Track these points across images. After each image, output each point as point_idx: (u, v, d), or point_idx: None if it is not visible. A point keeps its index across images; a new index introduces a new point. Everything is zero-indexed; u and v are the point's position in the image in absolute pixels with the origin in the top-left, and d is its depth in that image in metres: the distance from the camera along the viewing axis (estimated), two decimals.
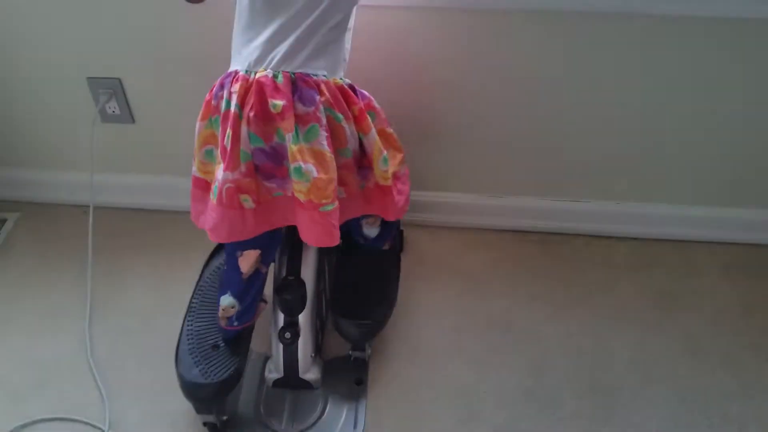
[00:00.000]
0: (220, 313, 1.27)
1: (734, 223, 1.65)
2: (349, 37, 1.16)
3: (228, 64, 1.12)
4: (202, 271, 1.42)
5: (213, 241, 1.20)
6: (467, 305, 1.53)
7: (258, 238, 1.20)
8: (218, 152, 1.13)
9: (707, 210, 1.64)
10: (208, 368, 1.22)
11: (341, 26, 1.12)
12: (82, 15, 1.43)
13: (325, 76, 1.09)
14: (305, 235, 1.16)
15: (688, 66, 1.38)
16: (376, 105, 1.19)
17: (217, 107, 1.11)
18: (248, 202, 1.12)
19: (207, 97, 1.13)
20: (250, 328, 1.32)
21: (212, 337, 1.28)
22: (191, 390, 1.22)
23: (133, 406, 1.35)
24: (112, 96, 1.55)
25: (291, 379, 1.33)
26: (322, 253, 1.38)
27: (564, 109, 1.49)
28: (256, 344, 1.37)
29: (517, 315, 1.51)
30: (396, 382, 1.39)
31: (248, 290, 1.27)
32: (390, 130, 1.23)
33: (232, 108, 1.07)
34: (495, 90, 1.47)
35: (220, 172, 1.11)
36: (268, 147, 1.09)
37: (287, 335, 1.27)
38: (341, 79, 1.13)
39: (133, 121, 1.61)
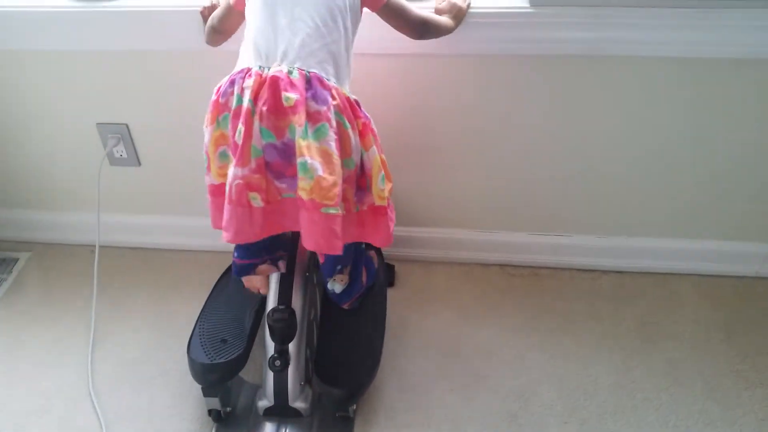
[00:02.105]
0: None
1: (718, 256, 1.69)
2: (352, 54, 1.19)
3: None
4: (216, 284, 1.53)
5: (224, 241, 1.18)
6: (455, 334, 1.58)
7: (270, 247, 1.25)
8: (230, 150, 1.13)
9: (690, 243, 1.68)
10: (216, 354, 1.33)
11: (348, 37, 1.15)
12: (92, 65, 1.54)
13: (335, 83, 1.12)
14: (305, 238, 1.15)
15: (669, 103, 1.45)
16: (374, 127, 1.20)
17: (226, 104, 1.11)
18: (257, 200, 1.12)
19: (213, 98, 1.14)
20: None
21: (221, 334, 1.38)
22: (201, 371, 1.32)
23: None
24: (120, 140, 1.65)
25: (281, 407, 1.36)
26: (313, 282, 1.44)
27: (552, 148, 1.55)
28: (248, 375, 1.42)
29: (503, 343, 1.55)
30: (383, 408, 1.42)
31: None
32: (383, 156, 1.22)
33: (245, 103, 1.07)
34: (487, 130, 1.54)
35: (230, 168, 1.11)
36: (279, 143, 1.09)
37: (277, 363, 1.31)
38: (347, 92, 1.16)
39: (139, 164, 1.70)
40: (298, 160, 1.07)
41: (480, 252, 1.75)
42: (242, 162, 1.09)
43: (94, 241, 1.65)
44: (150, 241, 1.85)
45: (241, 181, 1.10)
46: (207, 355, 1.33)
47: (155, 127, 1.64)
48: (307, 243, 1.15)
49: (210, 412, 1.38)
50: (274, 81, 1.07)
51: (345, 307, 1.46)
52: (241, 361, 1.35)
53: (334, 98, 1.10)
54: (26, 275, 1.79)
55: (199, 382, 1.34)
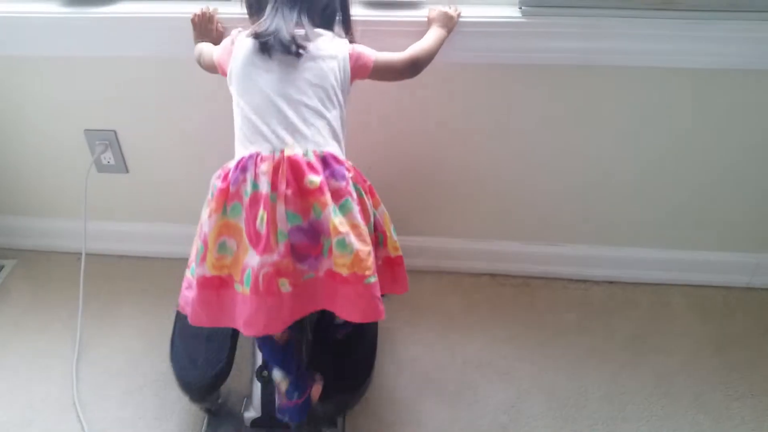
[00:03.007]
0: (278, 391, 1.25)
1: (709, 267, 1.69)
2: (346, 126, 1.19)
3: (214, 114, 1.17)
4: None
5: (247, 335, 1.14)
6: (444, 345, 1.57)
7: None
8: (238, 241, 1.09)
9: (681, 253, 1.69)
10: (202, 363, 1.29)
11: (342, 111, 1.16)
12: (80, 71, 1.52)
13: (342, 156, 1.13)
14: (348, 312, 1.12)
15: (660, 113, 1.45)
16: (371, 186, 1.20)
17: (237, 192, 1.08)
18: (285, 286, 1.07)
19: (221, 185, 1.09)
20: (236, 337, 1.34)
21: (202, 330, 1.31)
22: (187, 386, 1.29)
23: None
24: (108, 147, 1.64)
25: (268, 419, 1.35)
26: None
27: (543, 158, 1.55)
28: (235, 384, 1.40)
29: (493, 354, 1.55)
30: (373, 421, 1.41)
31: (289, 357, 1.24)
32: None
33: (263, 189, 1.05)
34: (477, 139, 1.54)
35: (253, 258, 1.07)
36: (305, 224, 1.07)
37: (265, 373, 1.30)
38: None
39: (126, 171, 1.69)
40: (334, 239, 1.06)
41: (470, 261, 1.75)
42: (269, 249, 1.06)
43: (80, 248, 1.64)
44: (137, 249, 1.83)
45: (270, 269, 1.06)
46: (191, 363, 1.29)
47: (143, 133, 1.62)
48: (352, 316, 1.12)
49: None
50: (295, 163, 1.06)
51: (339, 337, 1.39)
52: (227, 370, 1.31)
53: (349, 170, 1.11)
54: (11, 283, 1.77)
55: (186, 395, 1.32)
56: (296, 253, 1.08)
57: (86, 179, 1.61)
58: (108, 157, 1.66)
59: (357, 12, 1.36)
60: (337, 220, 1.06)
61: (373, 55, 1.19)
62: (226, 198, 1.08)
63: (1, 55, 1.52)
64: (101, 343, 1.59)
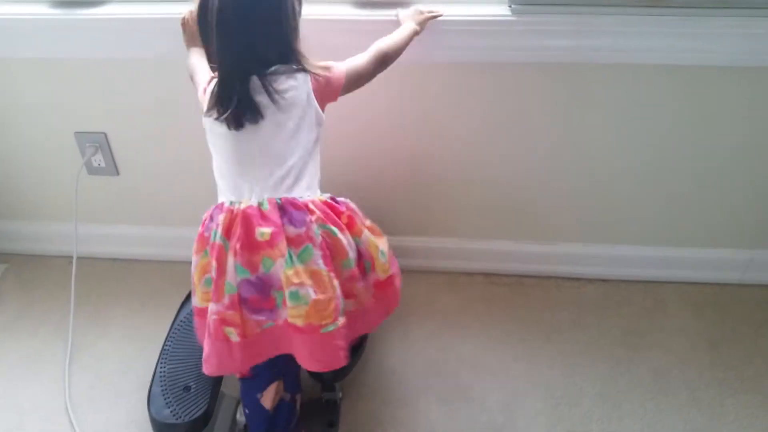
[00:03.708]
0: None
1: (702, 263, 1.69)
2: (318, 154, 1.17)
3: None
4: (176, 316, 1.45)
5: (205, 372, 1.16)
6: (439, 345, 1.56)
7: (273, 367, 1.18)
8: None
9: (674, 251, 1.68)
10: (179, 409, 1.25)
11: (315, 147, 1.15)
12: (70, 73, 1.52)
13: (309, 195, 1.11)
14: (306, 361, 1.12)
15: (651, 111, 1.45)
16: (353, 206, 1.19)
17: (208, 239, 1.11)
18: (233, 335, 1.09)
19: (200, 229, 1.14)
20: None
21: (184, 379, 1.31)
22: (163, 430, 1.25)
23: None
24: (98, 149, 1.63)
25: None
26: None
27: (535, 157, 1.55)
28: (228, 388, 1.39)
29: (488, 354, 1.54)
30: (368, 422, 1.41)
31: (277, 422, 1.22)
32: (368, 222, 1.21)
33: (217, 239, 1.08)
34: (468, 138, 1.54)
35: (211, 303, 1.10)
36: (254, 278, 1.07)
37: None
38: (321, 194, 1.14)
39: (117, 173, 1.68)
40: (287, 290, 1.06)
41: (463, 260, 1.74)
42: (217, 297, 1.09)
43: (71, 252, 1.63)
44: (128, 251, 1.82)
45: (216, 317, 1.09)
46: (169, 408, 1.25)
47: (134, 135, 1.61)
48: (309, 365, 1.13)
49: None
50: (246, 217, 1.07)
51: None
52: (207, 418, 1.26)
53: (312, 212, 1.09)
54: (2, 288, 1.75)
55: None
56: (249, 306, 1.09)
57: (77, 182, 1.60)
58: (98, 160, 1.65)
59: (346, 11, 1.36)
60: (290, 271, 1.05)
61: (339, 72, 1.16)
62: (203, 243, 1.13)
63: None
64: (93, 347, 1.58)
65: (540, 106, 1.47)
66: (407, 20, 1.30)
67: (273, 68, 1.10)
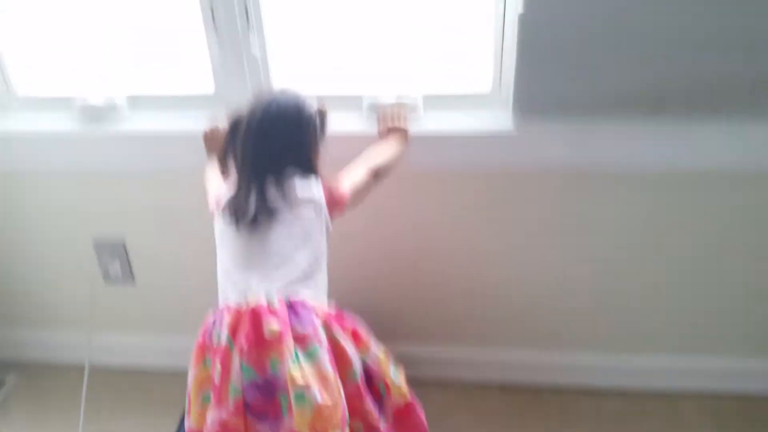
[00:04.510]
0: None
1: (722, 373, 1.63)
2: (326, 265, 1.18)
3: None
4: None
5: None
6: None
7: None
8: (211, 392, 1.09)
9: (695, 360, 1.63)
10: None
11: (324, 253, 1.17)
12: (91, 185, 1.58)
13: (315, 302, 1.11)
14: None
15: (665, 218, 1.45)
16: (360, 329, 1.18)
17: (211, 345, 1.10)
18: None
19: (199, 339, 1.13)
20: None
21: None
22: None
23: None
24: (115, 257, 1.66)
25: None
26: None
27: (549, 264, 1.55)
28: None
29: None
30: None
31: None
32: (379, 345, 1.19)
33: (223, 340, 1.06)
34: (480, 245, 1.54)
35: (211, 411, 1.07)
36: (261, 380, 1.05)
37: None
38: (329, 303, 1.16)
39: (133, 282, 1.70)
40: (293, 392, 1.02)
41: (478, 371, 1.70)
42: (219, 403, 1.06)
43: (84, 361, 1.62)
44: (141, 362, 1.81)
45: (219, 428, 1.06)
46: None
47: (151, 245, 1.65)
48: None
49: None
50: (255, 313, 1.06)
51: None
52: None
53: (318, 316, 1.09)
54: (12, 399, 1.74)
55: None
56: (253, 412, 1.07)
57: (93, 290, 1.62)
58: (116, 268, 1.68)
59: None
60: (296, 372, 1.02)
61: (345, 190, 1.19)
62: (204, 351, 1.11)
63: (17, 169, 1.59)
64: None
65: (545, 214, 1.48)
66: (391, 138, 1.32)
67: (290, 174, 1.15)
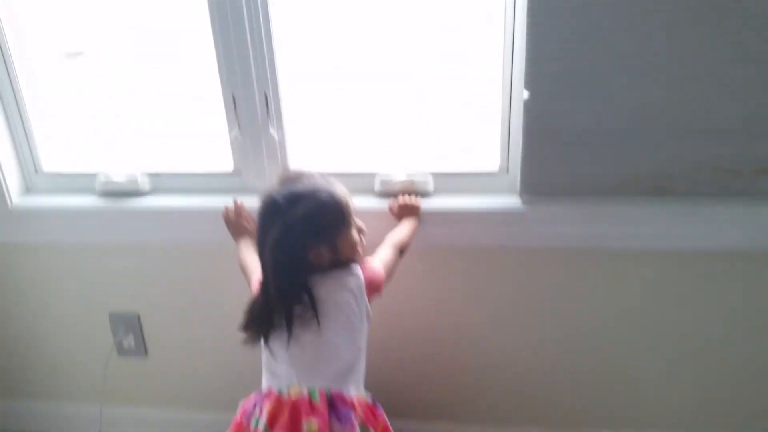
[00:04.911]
0: None
1: None
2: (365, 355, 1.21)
3: (237, 302, 1.22)
4: None
5: None
6: None
7: None
8: None
9: None
10: None
11: (363, 344, 1.19)
12: (110, 256, 1.61)
13: (356, 392, 1.14)
14: None
15: (672, 296, 1.46)
16: (384, 415, 1.19)
17: (248, 427, 1.10)
18: None
19: (237, 418, 1.13)
20: None
21: None
22: None
23: None
24: (129, 330, 1.68)
25: None
26: None
27: (555, 339, 1.55)
28: None
29: None
30: None
31: None
32: None
33: (260, 429, 1.07)
34: (485, 321, 1.55)
35: None
36: None
37: None
38: (365, 393, 1.17)
39: (146, 354, 1.71)
40: None
41: None
42: None
43: None
44: None
45: None
46: None
47: (165, 318, 1.67)
48: None
49: None
50: (295, 407, 1.07)
51: None
52: None
53: (357, 414, 1.10)
54: None
55: None
56: None
57: (107, 363, 1.63)
58: (129, 340, 1.69)
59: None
60: None
61: (380, 270, 1.23)
62: (239, 430, 1.11)
63: (37, 242, 1.62)
64: None
65: (555, 291, 1.50)
66: (405, 218, 1.38)
67: (323, 270, 1.17)
